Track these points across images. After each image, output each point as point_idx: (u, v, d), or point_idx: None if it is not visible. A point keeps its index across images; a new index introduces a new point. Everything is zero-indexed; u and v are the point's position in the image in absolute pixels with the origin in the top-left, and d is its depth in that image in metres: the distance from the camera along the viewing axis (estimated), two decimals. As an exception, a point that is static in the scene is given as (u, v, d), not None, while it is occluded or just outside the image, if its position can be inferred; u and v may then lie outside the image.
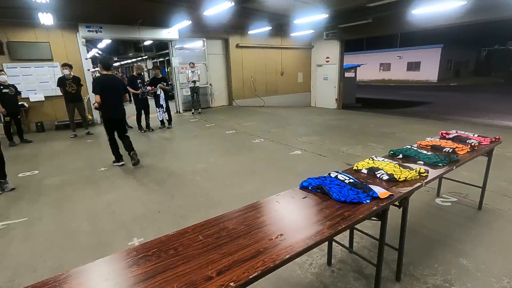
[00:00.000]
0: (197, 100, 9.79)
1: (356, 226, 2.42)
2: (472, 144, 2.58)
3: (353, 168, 2.17)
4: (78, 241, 2.72)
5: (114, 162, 4.85)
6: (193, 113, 9.95)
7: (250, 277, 1.08)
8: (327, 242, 2.29)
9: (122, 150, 4.83)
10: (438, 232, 2.71)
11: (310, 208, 1.62)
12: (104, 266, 1.18)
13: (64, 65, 6.68)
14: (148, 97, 7.20)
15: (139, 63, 8.87)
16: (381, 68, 32.35)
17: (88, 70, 8.50)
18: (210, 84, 11.01)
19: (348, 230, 2.43)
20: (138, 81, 7.03)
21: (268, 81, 12.27)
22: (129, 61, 21.98)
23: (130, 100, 7.60)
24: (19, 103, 6.76)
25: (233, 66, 11.16)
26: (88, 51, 14.22)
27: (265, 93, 12.22)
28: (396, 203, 1.88)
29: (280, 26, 10.89)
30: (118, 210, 3.30)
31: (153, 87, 7.26)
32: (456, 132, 3.01)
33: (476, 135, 2.89)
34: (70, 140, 6.78)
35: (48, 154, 5.65)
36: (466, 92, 19.08)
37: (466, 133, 2.97)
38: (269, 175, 4.28)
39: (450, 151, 2.44)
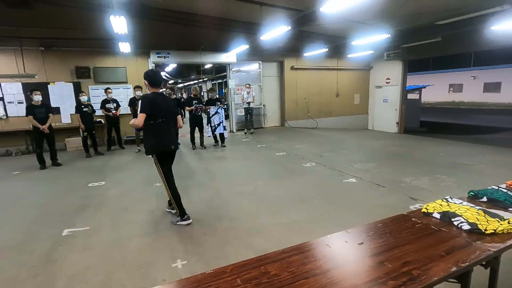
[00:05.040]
0: (250, 120, 9.98)
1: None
2: None
3: (422, 211, 1.84)
4: (127, 256, 2.81)
5: (177, 220, 3.43)
6: (245, 133, 10.15)
7: None
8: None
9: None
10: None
11: (368, 258, 1.37)
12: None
13: (138, 87, 7.45)
14: (201, 114, 7.60)
15: (195, 86, 9.57)
16: (451, 89, 29.30)
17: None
18: (263, 105, 11.19)
19: None
20: (194, 101, 7.49)
21: (322, 102, 11.99)
22: (192, 82, 23.83)
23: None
24: (97, 120, 7.74)
25: (287, 87, 11.22)
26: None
27: (318, 114, 11.93)
28: (483, 262, 1.51)
29: (337, 47, 10.67)
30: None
31: (204, 106, 7.65)
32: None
33: None
34: (134, 154, 7.41)
35: (114, 167, 6.23)
36: None
37: None
38: (319, 204, 3.99)
39: (555, 197, 1.93)
